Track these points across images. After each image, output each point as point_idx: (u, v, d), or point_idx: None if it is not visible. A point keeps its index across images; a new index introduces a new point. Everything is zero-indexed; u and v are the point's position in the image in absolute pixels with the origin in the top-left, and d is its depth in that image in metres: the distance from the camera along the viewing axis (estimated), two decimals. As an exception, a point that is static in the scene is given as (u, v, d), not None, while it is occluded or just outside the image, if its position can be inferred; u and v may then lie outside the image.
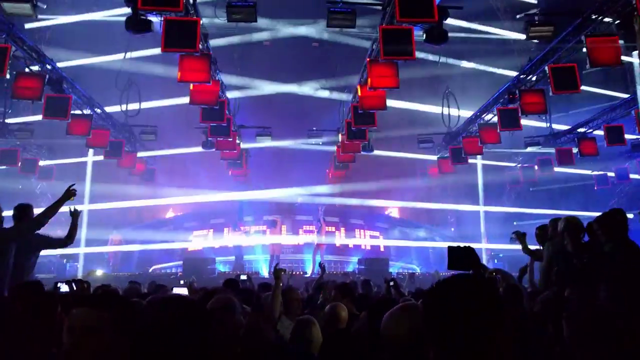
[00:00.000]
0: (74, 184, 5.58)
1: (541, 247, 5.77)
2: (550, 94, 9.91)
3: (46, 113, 10.89)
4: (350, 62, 13.92)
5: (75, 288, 3.62)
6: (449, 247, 2.30)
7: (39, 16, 10.07)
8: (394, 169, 18.39)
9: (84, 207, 16.58)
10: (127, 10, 7.77)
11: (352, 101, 12.56)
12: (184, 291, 5.93)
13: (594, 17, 9.05)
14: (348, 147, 14.14)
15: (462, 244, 2.31)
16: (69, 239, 5.82)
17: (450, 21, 9.74)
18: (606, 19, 8.95)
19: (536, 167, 16.78)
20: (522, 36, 10.75)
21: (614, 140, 13.31)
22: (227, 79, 12.90)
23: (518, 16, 13.23)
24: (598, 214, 4.56)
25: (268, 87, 16.40)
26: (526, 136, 14.94)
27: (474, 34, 15.64)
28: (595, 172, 17.17)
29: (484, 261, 17.22)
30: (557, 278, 4.36)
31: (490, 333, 1.27)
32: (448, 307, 1.30)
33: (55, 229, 5.80)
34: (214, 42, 10.58)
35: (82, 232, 15.75)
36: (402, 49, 7.99)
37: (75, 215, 5.83)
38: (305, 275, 14.25)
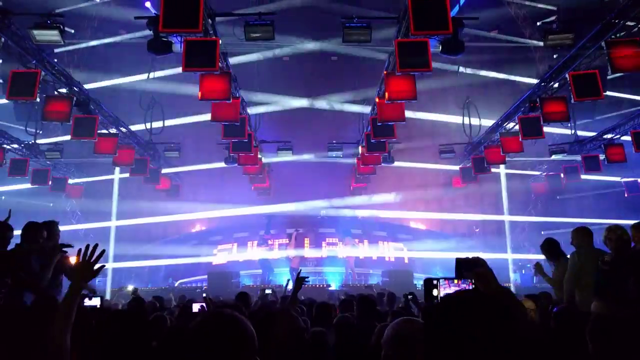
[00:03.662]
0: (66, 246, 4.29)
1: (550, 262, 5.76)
2: (572, 101, 9.74)
3: (74, 133, 11.30)
4: (369, 74, 14.00)
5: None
6: (457, 259, 2.38)
7: (67, 40, 10.53)
8: (416, 179, 18.29)
9: (112, 224, 17.01)
10: (150, 32, 8.03)
11: (371, 114, 12.60)
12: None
13: (614, 21, 8.90)
14: (368, 159, 14.23)
15: (470, 255, 2.31)
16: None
17: (468, 30, 9.75)
18: (628, 23, 8.81)
19: (562, 175, 16.40)
20: (542, 44, 10.60)
21: (642, 146, 12.90)
22: (247, 95, 13.12)
23: (538, 23, 13.16)
24: (632, 222, 4.48)
25: (288, 102, 16.60)
26: (551, 144, 14.67)
27: (493, 42, 15.53)
28: (625, 179, 16.67)
29: (510, 271, 16.90)
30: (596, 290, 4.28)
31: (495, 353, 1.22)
32: (449, 326, 1.27)
33: None
34: (233, 60, 10.80)
35: (110, 248, 16.12)
36: (419, 61, 7.99)
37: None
38: (330, 289, 14.24)
